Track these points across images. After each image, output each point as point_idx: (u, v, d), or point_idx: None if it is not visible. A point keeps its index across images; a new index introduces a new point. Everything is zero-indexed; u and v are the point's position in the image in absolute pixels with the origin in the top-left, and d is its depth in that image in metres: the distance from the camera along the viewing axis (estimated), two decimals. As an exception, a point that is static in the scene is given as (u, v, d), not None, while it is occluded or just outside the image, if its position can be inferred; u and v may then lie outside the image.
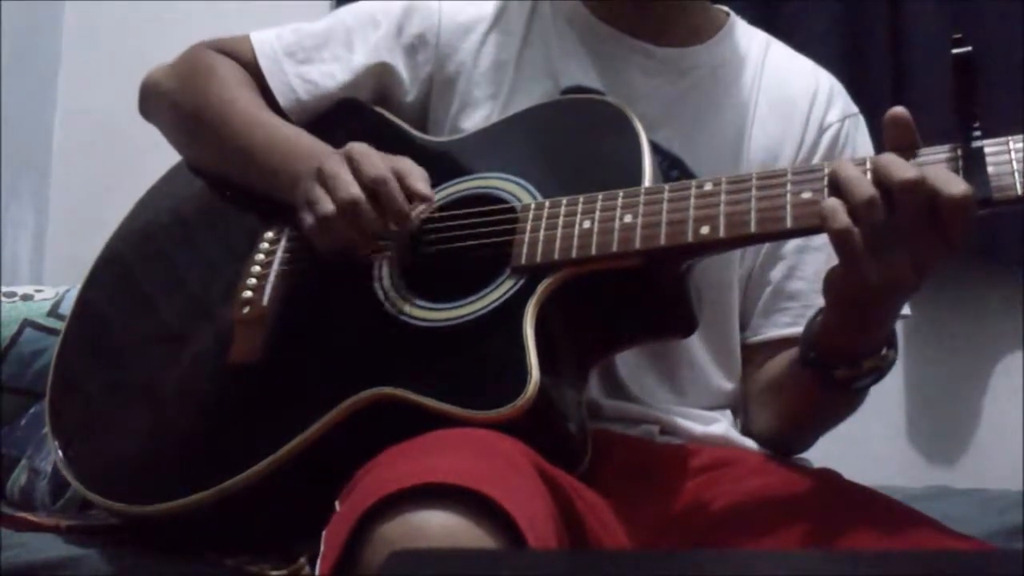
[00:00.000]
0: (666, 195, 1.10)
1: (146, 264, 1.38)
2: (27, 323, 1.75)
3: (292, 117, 1.33)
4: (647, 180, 1.13)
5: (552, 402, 1.08)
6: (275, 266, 1.26)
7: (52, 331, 1.70)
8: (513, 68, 1.32)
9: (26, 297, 1.81)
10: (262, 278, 1.26)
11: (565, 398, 1.12)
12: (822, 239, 1.16)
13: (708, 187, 1.09)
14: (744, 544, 1.07)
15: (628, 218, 1.10)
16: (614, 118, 1.20)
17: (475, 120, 1.31)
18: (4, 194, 2.23)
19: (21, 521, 1.34)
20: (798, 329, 1.20)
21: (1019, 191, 0.98)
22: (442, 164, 1.24)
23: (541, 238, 1.13)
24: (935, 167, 1.00)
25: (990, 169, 0.99)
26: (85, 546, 1.23)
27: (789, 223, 1.05)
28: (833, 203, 1.01)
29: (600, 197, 1.12)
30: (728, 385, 1.31)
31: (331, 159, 1.19)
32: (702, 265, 1.18)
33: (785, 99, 1.33)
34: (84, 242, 1.45)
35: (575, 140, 1.23)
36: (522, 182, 1.19)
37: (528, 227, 1.14)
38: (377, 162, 1.17)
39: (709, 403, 1.30)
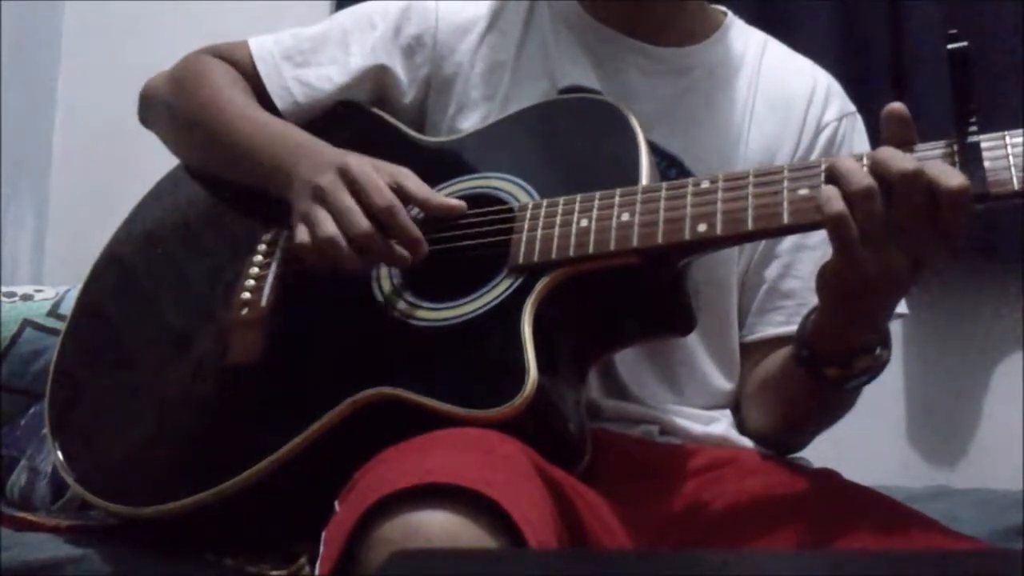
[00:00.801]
0: (663, 193, 1.10)
1: (146, 265, 1.38)
2: (27, 323, 1.75)
3: (290, 120, 1.33)
4: (644, 179, 1.13)
5: (551, 401, 1.08)
6: (273, 267, 1.26)
7: (52, 331, 1.70)
8: (510, 68, 1.32)
9: (26, 297, 1.81)
10: (261, 279, 1.26)
11: (564, 397, 1.12)
12: (818, 238, 1.16)
13: (705, 185, 1.09)
14: (744, 544, 1.07)
15: (625, 217, 1.10)
16: (611, 118, 1.20)
17: (473, 121, 1.31)
18: (4, 194, 2.23)
19: (21, 521, 1.34)
20: (793, 328, 1.20)
21: (1016, 185, 0.98)
22: (440, 165, 1.24)
23: (539, 237, 1.13)
24: (932, 161, 1.00)
25: (986, 164, 0.99)
26: (85, 546, 1.23)
27: (786, 219, 1.05)
28: (829, 190, 1.01)
29: (597, 196, 1.12)
30: (727, 385, 1.31)
31: (326, 176, 1.16)
32: (700, 264, 1.18)
33: (782, 98, 1.33)
34: (84, 242, 1.45)
35: (573, 140, 1.23)
36: (520, 182, 1.19)
37: (526, 226, 1.14)
38: (381, 187, 1.14)
39: (708, 403, 1.30)
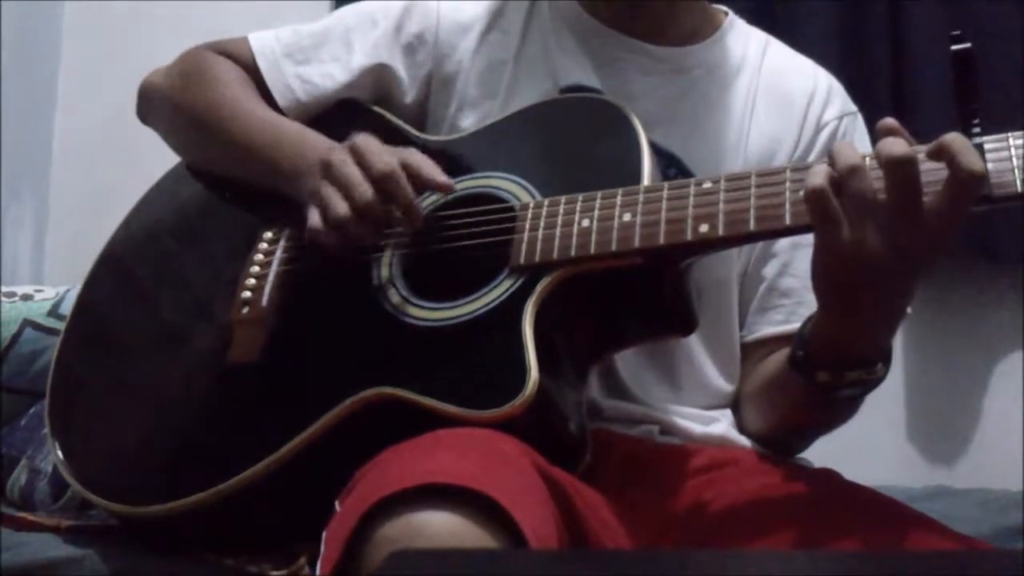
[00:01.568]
0: (665, 194, 1.10)
1: (146, 264, 1.38)
2: (27, 323, 1.75)
3: (291, 117, 1.33)
4: (646, 179, 1.13)
5: (551, 401, 1.08)
6: (274, 266, 1.26)
7: (52, 331, 1.70)
8: (511, 67, 1.32)
9: (26, 297, 1.81)
10: (261, 278, 1.26)
11: (565, 397, 1.12)
12: (814, 235, 1.15)
13: (707, 185, 1.09)
14: (744, 544, 1.07)
15: (627, 217, 1.10)
16: (613, 117, 1.20)
17: (473, 119, 1.31)
18: (4, 194, 2.23)
19: (21, 521, 1.34)
20: (792, 326, 1.20)
21: (1019, 188, 0.98)
22: (441, 164, 1.24)
23: (540, 237, 1.13)
24: (959, 138, 0.98)
25: (990, 165, 0.98)
26: (85, 546, 1.23)
27: (788, 220, 1.04)
28: (818, 166, 1.01)
29: (599, 196, 1.12)
30: (727, 385, 1.31)
31: (336, 153, 1.19)
32: (701, 264, 1.18)
33: (783, 98, 1.33)
34: (84, 242, 1.45)
35: (574, 139, 1.23)
36: (521, 181, 1.19)
37: (527, 226, 1.14)
38: (385, 155, 1.17)
39: (708, 403, 1.29)
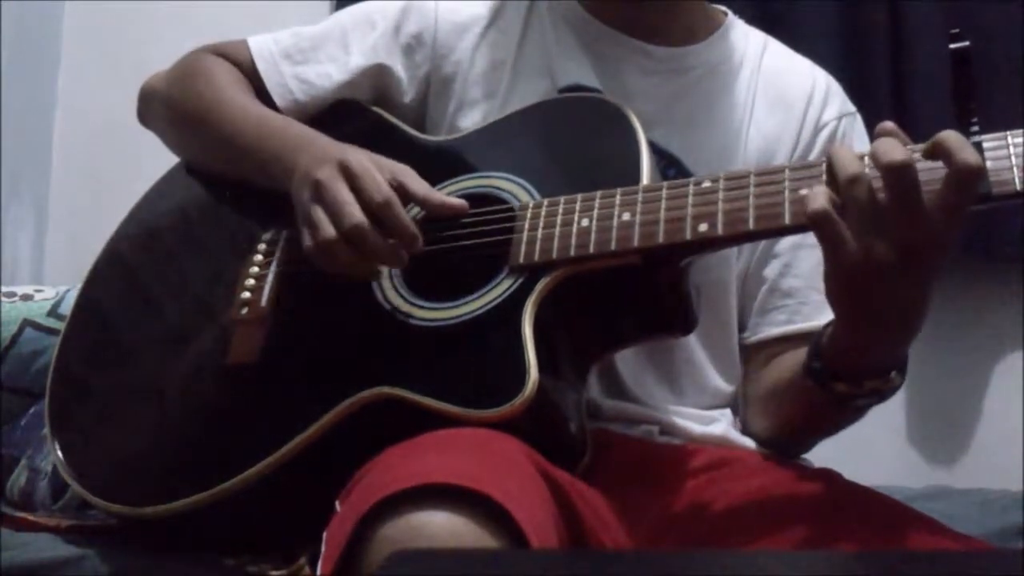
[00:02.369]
0: (664, 193, 1.10)
1: (146, 265, 1.38)
2: (27, 323, 1.75)
3: (290, 118, 1.33)
4: (645, 178, 1.13)
5: (551, 401, 1.08)
6: (274, 266, 1.26)
7: (52, 331, 1.70)
8: (510, 67, 1.32)
9: (26, 297, 1.81)
10: (261, 279, 1.26)
11: (564, 397, 1.12)
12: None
13: (706, 184, 1.09)
14: (744, 544, 1.07)
15: (626, 216, 1.10)
16: (612, 117, 1.20)
17: (473, 119, 1.31)
18: (4, 194, 2.23)
19: (21, 521, 1.34)
20: (794, 327, 1.20)
21: (1018, 186, 0.98)
22: (440, 164, 1.24)
23: (539, 237, 1.12)
24: (953, 134, 0.97)
25: (989, 164, 0.98)
26: (85, 546, 1.23)
27: (787, 219, 1.04)
28: (817, 188, 1.00)
29: (598, 196, 1.12)
30: (727, 385, 1.31)
31: (325, 170, 1.15)
32: (700, 264, 1.18)
33: (782, 98, 1.33)
34: (84, 242, 1.45)
35: (573, 139, 1.23)
36: (520, 181, 1.19)
37: (526, 226, 1.14)
38: (380, 182, 1.14)
39: (708, 403, 1.29)
